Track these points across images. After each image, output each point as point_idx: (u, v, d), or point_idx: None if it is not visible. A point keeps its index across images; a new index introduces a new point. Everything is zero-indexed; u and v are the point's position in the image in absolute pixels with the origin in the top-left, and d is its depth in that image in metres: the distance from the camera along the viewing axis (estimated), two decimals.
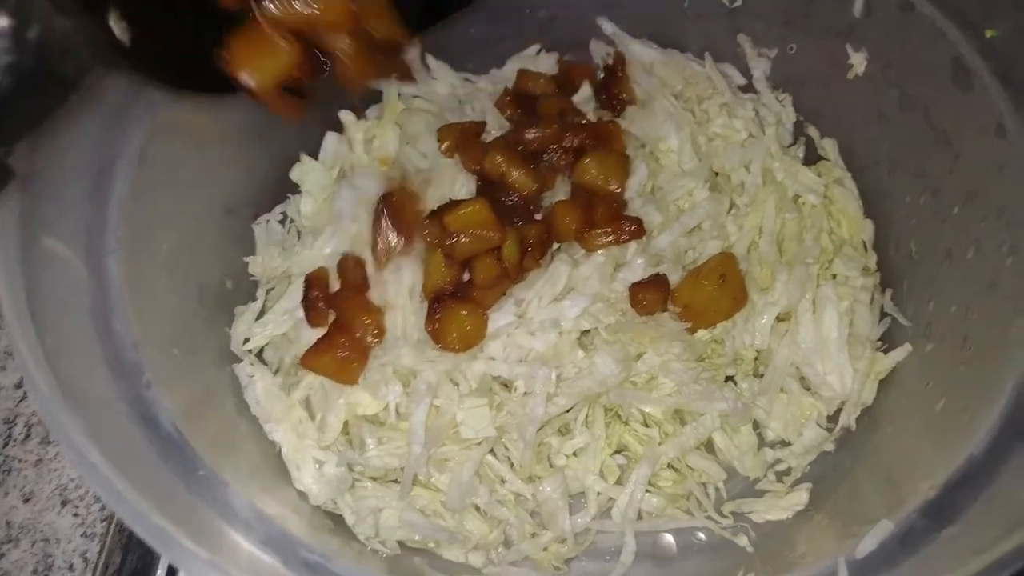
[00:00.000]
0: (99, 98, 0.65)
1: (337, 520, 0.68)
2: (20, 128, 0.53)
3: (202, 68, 0.62)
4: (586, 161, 0.76)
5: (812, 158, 0.85)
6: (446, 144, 0.82)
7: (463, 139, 0.82)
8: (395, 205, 0.76)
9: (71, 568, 0.74)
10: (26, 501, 0.78)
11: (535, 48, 0.93)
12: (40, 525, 0.76)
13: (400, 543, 0.68)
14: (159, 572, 0.73)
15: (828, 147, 0.84)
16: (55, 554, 0.75)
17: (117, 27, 0.55)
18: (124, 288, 0.62)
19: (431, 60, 0.92)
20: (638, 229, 0.74)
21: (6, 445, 0.81)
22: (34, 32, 0.48)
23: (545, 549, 0.69)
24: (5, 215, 0.56)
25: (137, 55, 0.57)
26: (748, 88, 0.88)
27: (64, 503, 0.78)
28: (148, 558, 0.74)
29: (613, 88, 0.86)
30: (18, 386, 0.84)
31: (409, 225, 0.76)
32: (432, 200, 0.78)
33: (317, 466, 0.69)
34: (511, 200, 0.75)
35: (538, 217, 0.76)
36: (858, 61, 0.78)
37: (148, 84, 0.63)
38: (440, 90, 0.92)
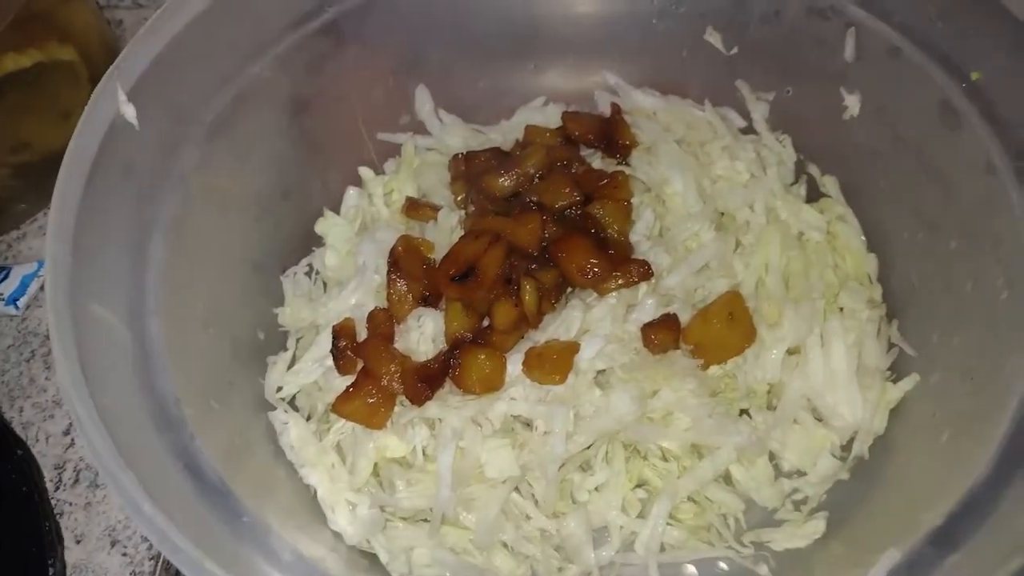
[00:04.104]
0: (134, 172, 0.71)
1: (372, 559, 0.71)
2: None
3: None
4: (592, 210, 0.80)
5: (814, 195, 0.89)
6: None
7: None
8: (399, 257, 0.81)
9: None
10: (78, 542, 0.82)
11: (541, 99, 0.98)
12: (91, 565, 0.80)
13: None
14: None
15: (829, 184, 0.88)
16: None
17: None
18: (164, 348, 0.67)
19: (443, 114, 0.97)
20: (646, 271, 0.77)
21: (57, 489, 0.86)
22: None
23: None
24: (57, 287, 0.60)
25: None
26: (748, 130, 0.92)
27: (113, 543, 0.82)
28: None
29: (614, 135, 0.90)
30: (66, 433, 0.89)
31: (417, 275, 0.80)
32: (440, 248, 0.83)
33: (350, 508, 0.72)
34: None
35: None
36: (852, 103, 0.82)
37: None
38: (452, 142, 0.96)
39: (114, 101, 0.69)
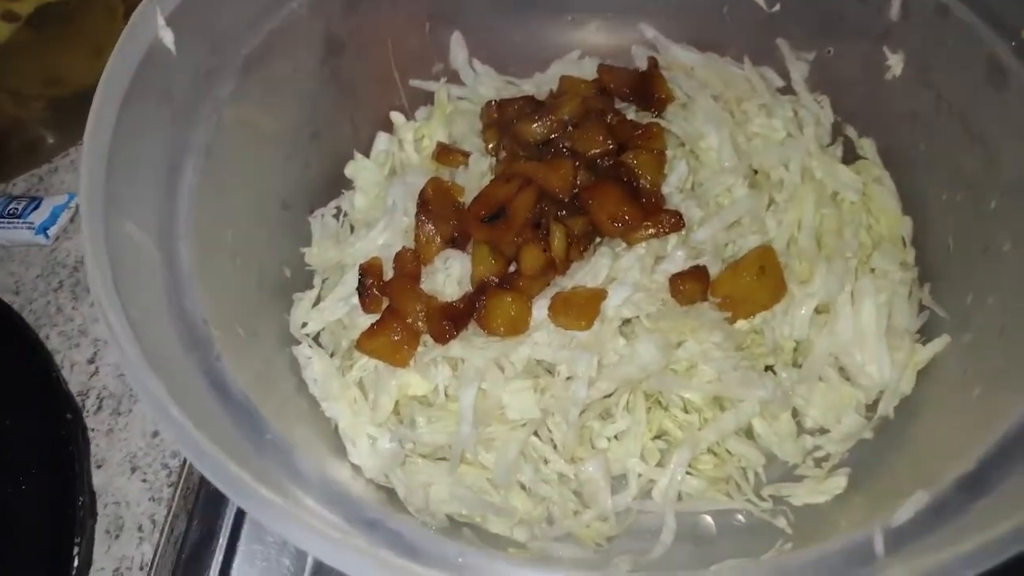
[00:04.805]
0: (169, 98, 0.71)
1: (390, 493, 0.71)
2: None
3: None
4: (625, 159, 0.79)
5: (850, 157, 0.87)
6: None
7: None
8: (428, 198, 0.80)
9: (140, 529, 0.78)
10: (99, 467, 0.83)
11: (576, 53, 0.97)
12: (111, 489, 0.81)
13: (448, 517, 0.71)
14: (221, 540, 0.78)
15: (866, 146, 0.86)
16: (125, 516, 0.79)
17: None
18: (193, 270, 0.67)
19: (476, 64, 0.96)
20: (677, 222, 0.77)
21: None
22: None
23: (587, 527, 0.71)
24: (94, 204, 0.61)
25: None
26: (787, 90, 0.91)
27: (133, 470, 0.82)
28: (211, 524, 0.78)
29: (650, 89, 0.89)
30: (91, 361, 0.90)
31: (446, 216, 0.80)
32: (470, 193, 0.82)
33: (371, 442, 0.72)
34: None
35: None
36: (895, 63, 0.80)
37: None
38: (484, 92, 0.96)
39: (153, 26, 0.69)
